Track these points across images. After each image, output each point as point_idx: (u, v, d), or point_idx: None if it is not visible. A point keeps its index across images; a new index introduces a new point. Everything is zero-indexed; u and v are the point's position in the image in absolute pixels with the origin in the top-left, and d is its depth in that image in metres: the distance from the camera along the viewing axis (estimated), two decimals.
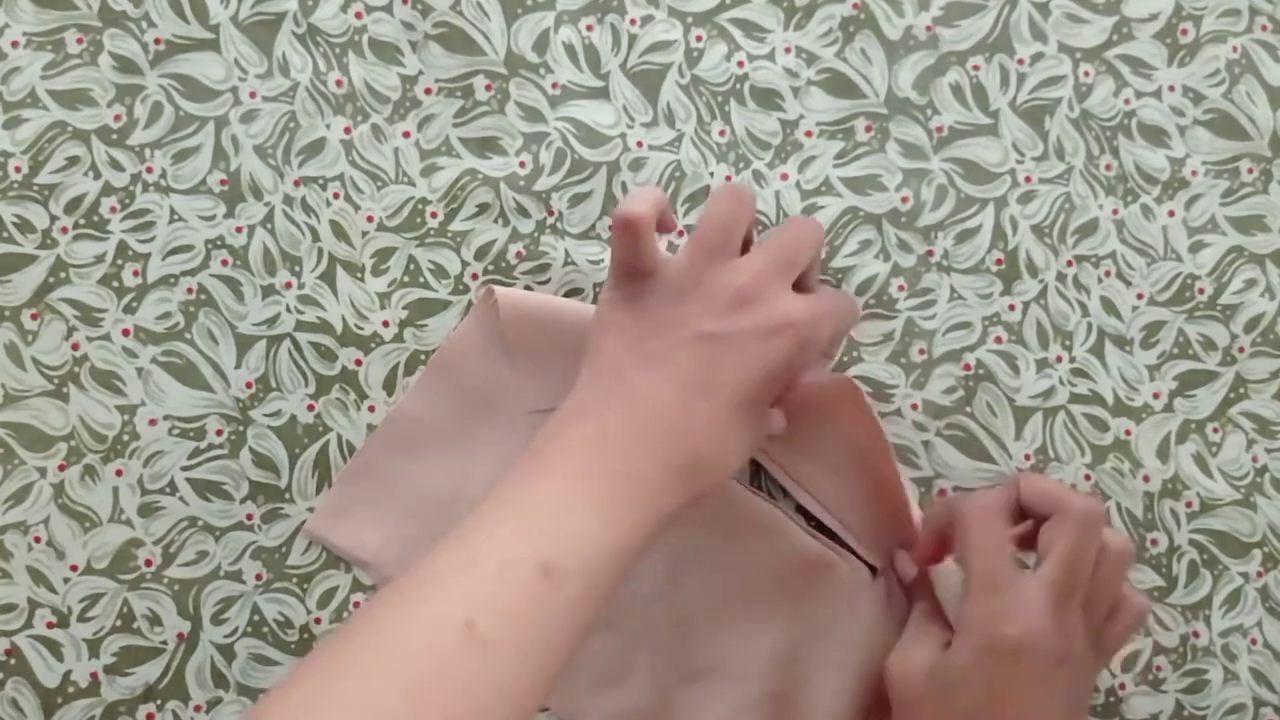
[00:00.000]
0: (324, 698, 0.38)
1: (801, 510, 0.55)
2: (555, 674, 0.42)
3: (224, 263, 0.55)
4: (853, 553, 0.54)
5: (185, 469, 0.55)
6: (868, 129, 0.56)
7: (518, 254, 0.56)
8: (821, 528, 0.55)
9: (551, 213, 0.56)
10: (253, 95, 0.55)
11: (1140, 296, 0.56)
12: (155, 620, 0.55)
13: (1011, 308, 0.56)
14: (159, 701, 0.55)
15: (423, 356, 0.55)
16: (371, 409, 0.55)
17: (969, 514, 0.48)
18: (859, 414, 0.53)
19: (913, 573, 0.53)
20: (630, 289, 0.48)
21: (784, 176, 0.56)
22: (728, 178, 0.56)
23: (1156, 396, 0.56)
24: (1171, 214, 0.56)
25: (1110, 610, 0.49)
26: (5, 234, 0.55)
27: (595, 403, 0.46)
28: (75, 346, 0.55)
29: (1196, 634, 0.56)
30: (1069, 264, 0.56)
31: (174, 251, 0.55)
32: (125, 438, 0.55)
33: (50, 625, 0.55)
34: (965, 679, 0.46)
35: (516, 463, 0.45)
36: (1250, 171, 0.56)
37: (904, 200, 0.56)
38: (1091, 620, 0.48)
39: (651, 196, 0.47)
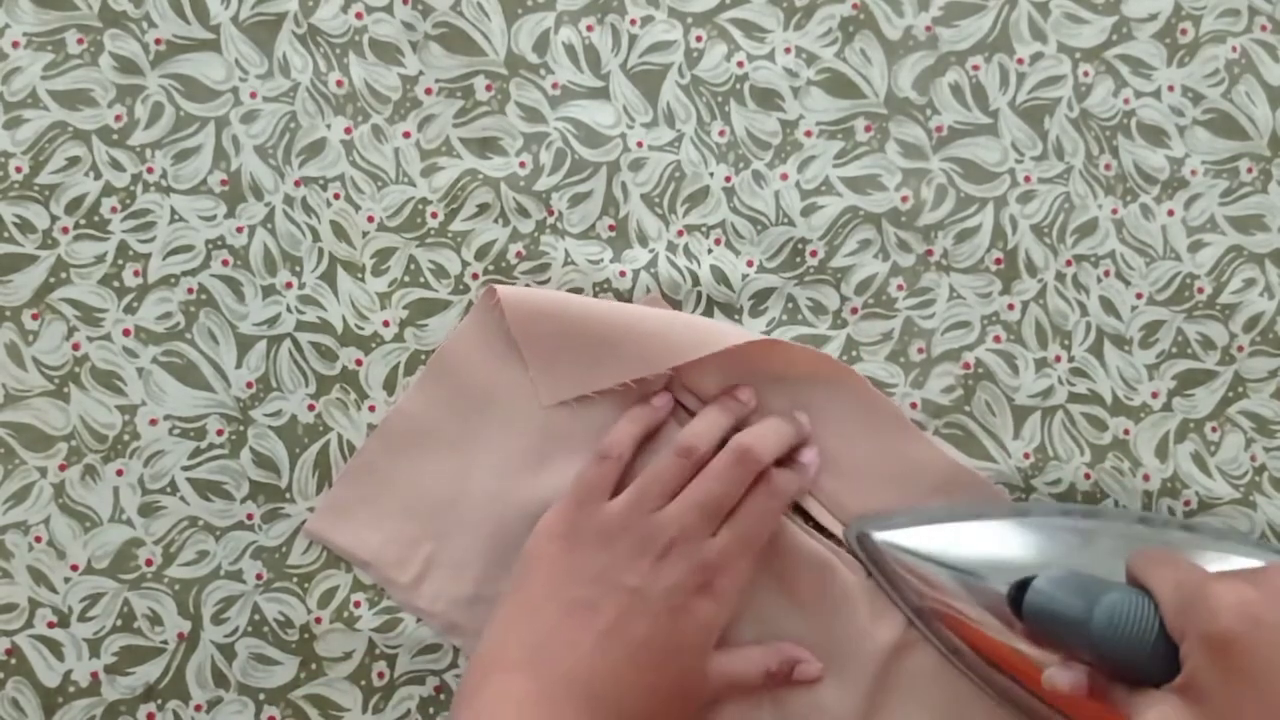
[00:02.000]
0: None
1: (799, 510, 0.55)
2: None
3: (224, 263, 0.55)
4: (853, 555, 0.55)
5: (186, 469, 0.55)
6: (867, 129, 0.56)
7: (518, 254, 0.56)
8: (819, 528, 0.55)
9: (551, 213, 0.56)
10: (253, 95, 0.55)
11: (1139, 296, 0.56)
12: (156, 620, 0.55)
13: (1011, 307, 0.56)
14: (159, 701, 0.55)
15: (423, 356, 0.56)
16: (372, 409, 0.55)
17: (1140, 560, 0.48)
18: (857, 387, 0.55)
19: (1075, 682, 0.48)
20: (577, 518, 0.52)
21: (784, 176, 0.56)
22: (728, 178, 0.56)
23: (1155, 396, 0.56)
24: (1171, 213, 0.56)
25: None
26: (6, 234, 0.55)
27: (520, 652, 0.49)
28: (76, 346, 0.55)
29: None
30: (1068, 263, 0.56)
31: (174, 251, 0.55)
32: (126, 438, 0.55)
33: (51, 625, 0.55)
34: (1219, 682, 0.43)
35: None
36: (1249, 171, 0.56)
37: (904, 200, 0.56)
38: None
39: (634, 431, 0.53)
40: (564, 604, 0.50)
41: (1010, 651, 0.51)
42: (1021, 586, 0.48)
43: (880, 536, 0.53)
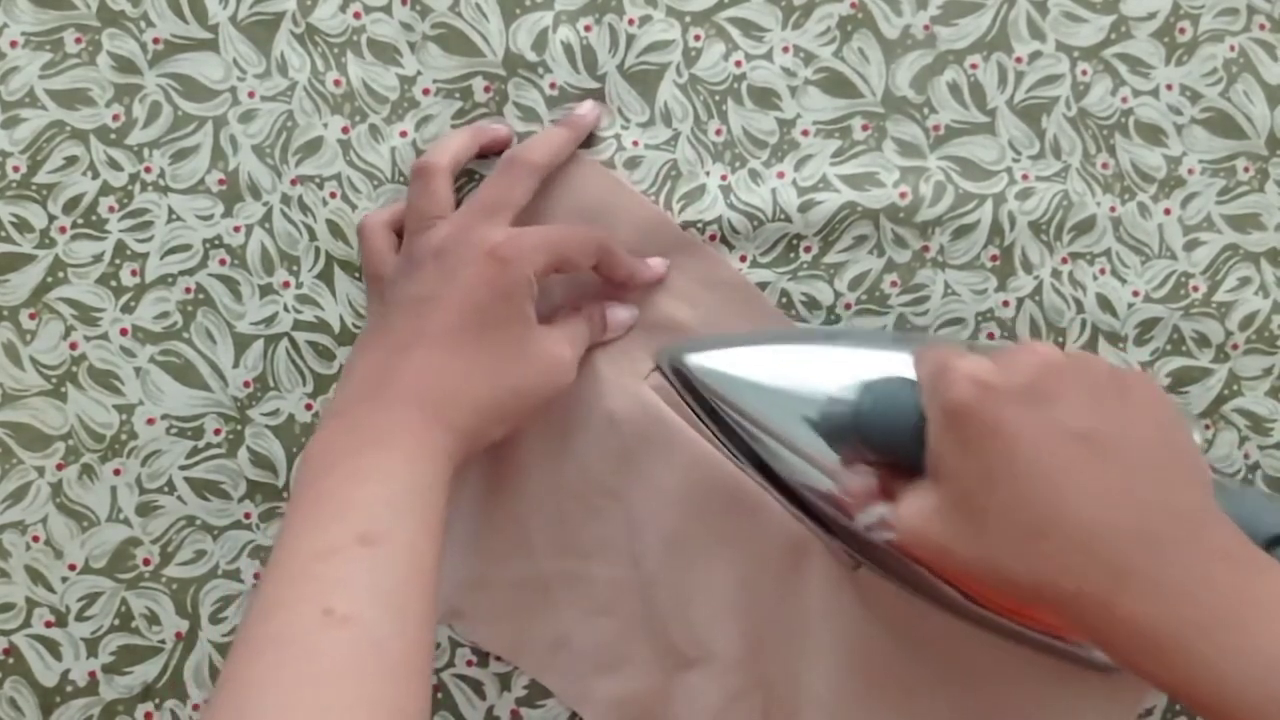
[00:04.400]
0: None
1: (787, 493, 0.54)
2: (422, 627, 0.43)
3: (222, 262, 0.55)
4: (844, 546, 0.54)
5: (183, 468, 0.55)
6: (865, 128, 0.56)
7: None
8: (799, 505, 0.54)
9: None
10: (251, 95, 0.55)
11: (1135, 294, 0.56)
12: (153, 619, 0.55)
13: (1005, 304, 0.56)
14: (157, 700, 0.55)
15: None
16: None
17: (918, 351, 0.46)
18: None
19: (865, 484, 0.48)
20: (375, 289, 0.53)
21: (780, 175, 0.56)
22: (724, 177, 0.56)
23: None
24: (1168, 212, 0.56)
25: None
26: (3, 233, 0.55)
27: (343, 401, 0.49)
28: (73, 346, 0.55)
29: None
30: (1064, 261, 0.56)
31: (172, 251, 0.55)
32: (123, 437, 0.55)
33: (48, 624, 0.55)
34: (955, 457, 0.42)
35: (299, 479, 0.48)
36: (1246, 170, 0.56)
37: (902, 195, 0.56)
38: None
39: (379, 213, 0.54)
40: (368, 349, 0.50)
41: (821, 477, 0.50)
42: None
43: (693, 360, 0.52)
